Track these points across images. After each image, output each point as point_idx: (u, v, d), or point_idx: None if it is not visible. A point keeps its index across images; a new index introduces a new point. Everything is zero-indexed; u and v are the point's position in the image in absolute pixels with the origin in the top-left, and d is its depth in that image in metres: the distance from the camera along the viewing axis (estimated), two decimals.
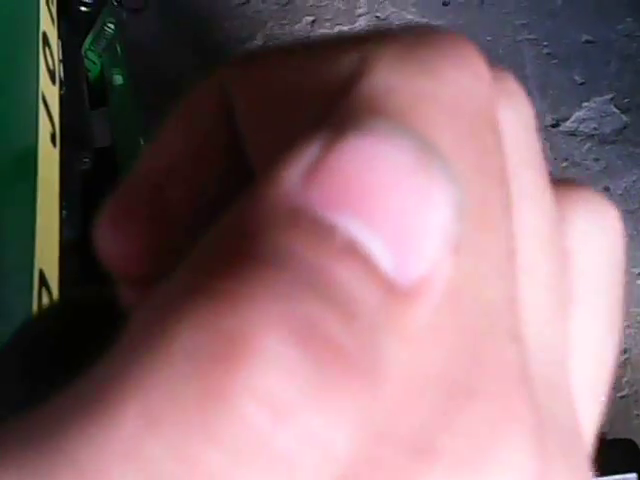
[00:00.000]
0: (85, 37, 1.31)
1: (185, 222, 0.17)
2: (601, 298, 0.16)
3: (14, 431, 0.11)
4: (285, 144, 0.12)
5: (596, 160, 1.69)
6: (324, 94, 0.14)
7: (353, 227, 0.11)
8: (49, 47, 0.92)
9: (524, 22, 1.85)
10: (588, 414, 0.15)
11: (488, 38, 1.77)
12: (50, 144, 0.84)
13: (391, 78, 0.13)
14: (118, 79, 1.32)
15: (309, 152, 0.12)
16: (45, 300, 0.70)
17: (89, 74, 1.31)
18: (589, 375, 0.16)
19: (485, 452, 0.12)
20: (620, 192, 1.66)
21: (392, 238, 0.11)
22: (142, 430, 0.10)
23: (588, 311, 0.16)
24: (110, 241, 0.17)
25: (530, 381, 0.13)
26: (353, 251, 0.11)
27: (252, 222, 0.12)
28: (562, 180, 0.16)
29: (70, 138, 0.95)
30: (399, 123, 0.12)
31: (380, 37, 0.14)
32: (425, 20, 1.84)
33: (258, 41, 1.82)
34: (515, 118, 0.15)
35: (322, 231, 0.11)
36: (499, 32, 1.77)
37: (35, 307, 0.67)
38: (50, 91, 0.89)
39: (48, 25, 0.93)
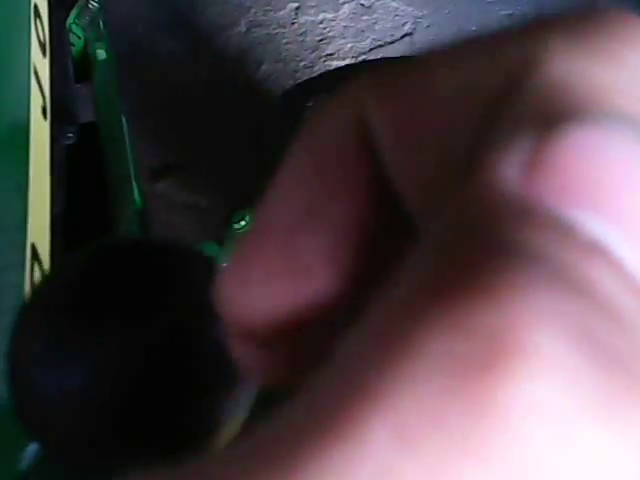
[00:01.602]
0: (70, 10, 1.29)
1: (325, 269, 0.14)
2: None
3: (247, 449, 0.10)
4: (445, 161, 0.11)
5: None
6: (483, 99, 0.12)
7: (594, 225, 0.10)
8: (40, 19, 0.91)
9: (509, 12, 1.86)
10: None
11: (473, 28, 1.78)
12: (41, 117, 0.83)
13: (571, 65, 0.12)
14: (101, 54, 1.30)
15: (521, 147, 0.10)
16: (37, 274, 0.69)
17: (73, 48, 1.29)
18: None
19: None
20: None
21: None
22: (394, 450, 0.09)
23: None
24: (237, 297, 0.15)
25: None
26: (600, 252, 0.10)
27: (477, 215, 0.10)
28: None
29: (56, 112, 0.94)
30: (614, 113, 0.11)
31: (538, 26, 0.13)
32: (411, 9, 1.84)
33: (241, 28, 1.81)
34: None
35: (562, 227, 0.10)
36: (484, 22, 1.78)
37: (27, 281, 0.66)
38: (41, 63, 0.88)
39: None
